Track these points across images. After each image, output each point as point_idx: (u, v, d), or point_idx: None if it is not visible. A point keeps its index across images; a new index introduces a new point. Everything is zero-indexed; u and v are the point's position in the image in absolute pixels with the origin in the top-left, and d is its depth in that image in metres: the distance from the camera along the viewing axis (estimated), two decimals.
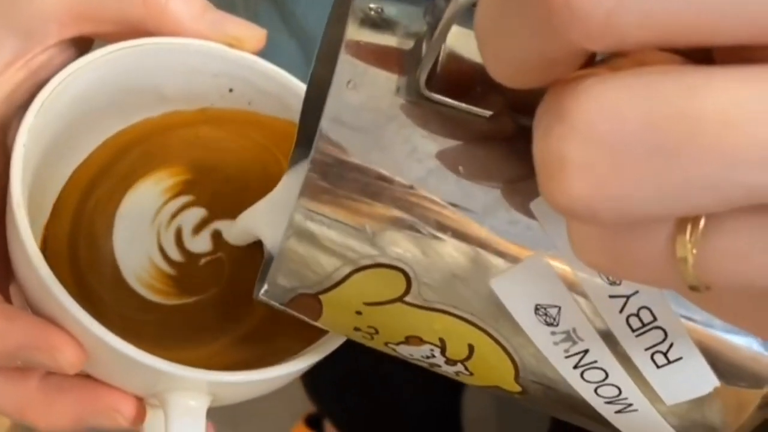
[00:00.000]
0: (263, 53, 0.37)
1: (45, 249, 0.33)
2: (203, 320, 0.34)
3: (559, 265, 0.25)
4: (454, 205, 0.25)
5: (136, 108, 0.37)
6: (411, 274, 0.26)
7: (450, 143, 0.25)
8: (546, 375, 0.27)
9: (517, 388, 0.28)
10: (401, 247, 0.25)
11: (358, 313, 0.27)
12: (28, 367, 0.30)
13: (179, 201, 0.36)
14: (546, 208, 0.24)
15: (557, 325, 0.26)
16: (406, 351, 0.29)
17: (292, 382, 0.36)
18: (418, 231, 0.25)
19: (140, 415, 0.32)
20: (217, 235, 0.36)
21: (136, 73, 0.35)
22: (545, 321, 0.26)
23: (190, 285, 0.35)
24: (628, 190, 0.16)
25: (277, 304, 0.29)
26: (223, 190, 0.37)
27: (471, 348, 0.27)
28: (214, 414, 0.32)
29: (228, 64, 0.36)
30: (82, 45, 0.35)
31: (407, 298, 0.26)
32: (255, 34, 0.36)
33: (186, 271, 0.35)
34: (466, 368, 0.28)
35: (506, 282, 0.25)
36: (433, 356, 0.28)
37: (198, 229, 0.36)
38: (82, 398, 0.31)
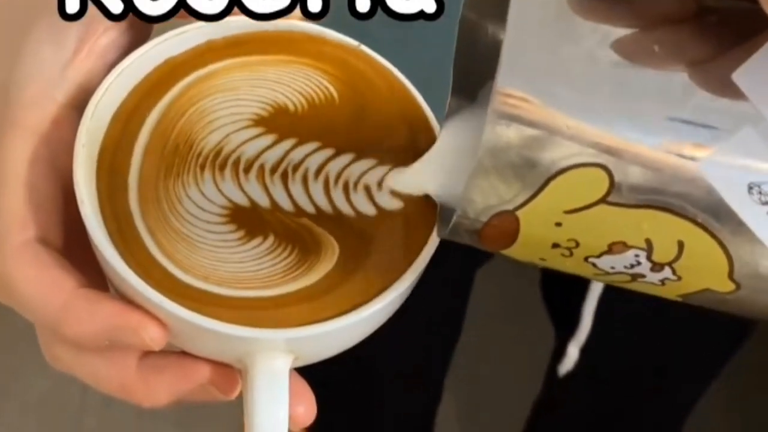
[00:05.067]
0: None
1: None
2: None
3: None
4: (652, 91, 0.24)
5: None
6: (614, 171, 0.25)
7: (637, 29, 0.24)
8: (763, 265, 0.26)
9: (730, 286, 0.27)
10: (602, 143, 0.25)
11: (558, 224, 0.27)
12: (125, 348, 0.32)
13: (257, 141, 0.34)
14: (753, 75, 0.24)
15: None
16: (607, 263, 0.28)
17: None
18: (615, 126, 0.25)
19: (233, 385, 0.32)
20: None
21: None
22: (760, 200, 0.25)
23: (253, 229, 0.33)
24: None
25: (466, 237, 0.29)
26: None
27: (681, 245, 0.26)
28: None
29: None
30: (142, 26, 0.35)
31: (611, 198, 0.26)
32: None
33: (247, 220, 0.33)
34: (674, 272, 0.27)
35: (714, 163, 0.25)
36: (638, 263, 0.27)
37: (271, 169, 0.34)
38: (177, 375, 0.32)
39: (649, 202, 0.25)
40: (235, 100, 0.35)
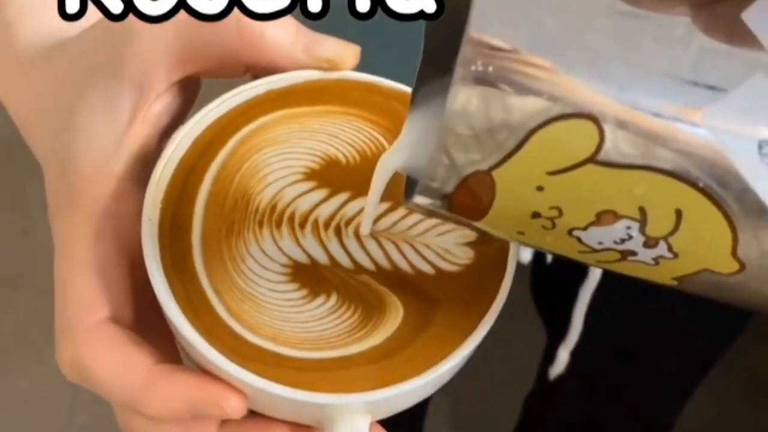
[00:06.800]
0: None
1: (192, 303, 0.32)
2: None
3: None
4: (652, 34, 0.21)
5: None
6: (604, 124, 0.22)
7: None
8: None
9: (733, 266, 0.24)
10: (591, 89, 0.22)
11: (539, 188, 0.23)
12: (205, 418, 0.31)
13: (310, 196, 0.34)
14: (765, 14, 0.20)
15: None
16: (594, 237, 0.25)
17: None
18: (607, 74, 0.21)
19: None
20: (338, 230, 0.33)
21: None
22: None
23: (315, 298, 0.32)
24: None
25: (436, 202, 0.26)
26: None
27: (679, 215, 0.23)
28: None
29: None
30: (191, 86, 0.36)
31: (600, 156, 0.22)
32: (348, 52, 0.36)
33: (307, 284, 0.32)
34: (670, 248, 0.24)
35: (718, 116, 0.21)
36: (629, 237, 0.24)
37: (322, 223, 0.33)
38: None
39: (644, 163, 0.22)
40: (287, 153, 0.34)
